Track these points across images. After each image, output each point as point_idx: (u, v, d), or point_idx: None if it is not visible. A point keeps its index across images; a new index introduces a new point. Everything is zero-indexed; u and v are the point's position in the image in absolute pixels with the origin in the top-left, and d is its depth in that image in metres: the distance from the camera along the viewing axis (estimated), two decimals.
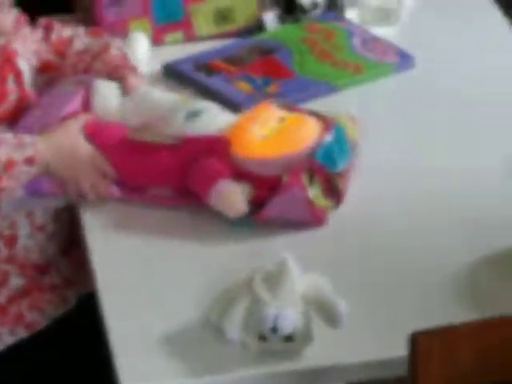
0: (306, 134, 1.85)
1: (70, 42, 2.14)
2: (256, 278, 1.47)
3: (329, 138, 1.80)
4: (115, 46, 2.03)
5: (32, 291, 1.91)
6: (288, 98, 1.99)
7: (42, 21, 2.06)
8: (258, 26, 2.20)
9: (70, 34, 2.08)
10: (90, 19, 2.28)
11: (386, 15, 2.26)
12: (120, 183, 1.86)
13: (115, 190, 1.87)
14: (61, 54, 2.09)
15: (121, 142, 1.90)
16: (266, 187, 1.86)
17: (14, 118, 1.91)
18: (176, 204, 1.86)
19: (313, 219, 1.81)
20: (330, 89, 2.04)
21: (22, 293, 1.90)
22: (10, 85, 1.96)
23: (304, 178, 1.83)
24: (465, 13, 2.31)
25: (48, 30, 2.08)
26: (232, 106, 1.94)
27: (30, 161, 1.83)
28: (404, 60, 2.11)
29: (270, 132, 1.87)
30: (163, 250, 1.72)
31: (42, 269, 1.93)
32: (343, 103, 2.03)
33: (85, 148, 1.89)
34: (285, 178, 1.81)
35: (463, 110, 2.00)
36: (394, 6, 2.26)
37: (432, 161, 1.85)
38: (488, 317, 1.31)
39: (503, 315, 1.30)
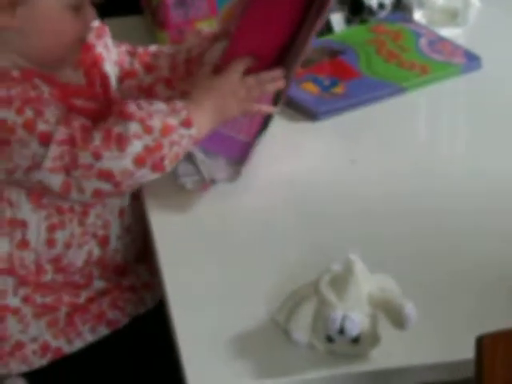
0: None
1: (156, 55, 2.14)
2: (323, 279, 1.46)
3: None
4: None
5: (112, 291, 1.94)
6: (355, 99, 2.08)
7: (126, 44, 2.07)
8: (326, 28, 2.20)
9: (156, 48, 2.09)
10: (156, 21, 2.35)
11: (452, 16, 2.28)
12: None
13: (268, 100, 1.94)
14: (148, 66, 2.12)
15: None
16: None
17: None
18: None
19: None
20: (397, 90, 2.07)
21: (103, 293, 1.93)
22: (98, 89, 1.96)
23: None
24: None
25: (133, 47, 2.08)
26: (297, 107, 2.05)
27: (186, 123, 1.83)
28: (471, 61, 2.12)
29: None
30: (232, 252, 1.67)
31: (121, 271, 1.96)
32: (410, 104, 2.07)
33: (226, 80, 1.91)
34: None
35: None
36: (460, 6, 2.28)
37: (500, 162, 1.82)
38: None
39: None
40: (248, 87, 1.90)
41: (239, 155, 1.99)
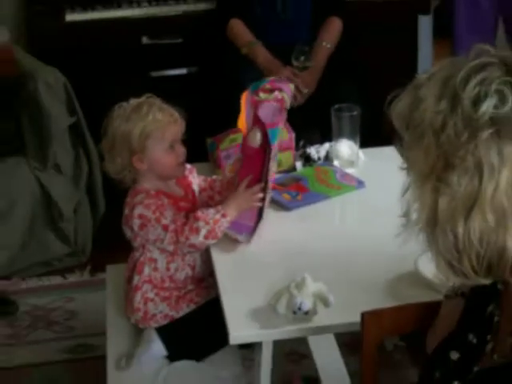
0: None
1: (214, 180, 2.26)
2: (292, 285, 1.78)
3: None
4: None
5: (197, 289, 2.20)
6: (307, 201, 2.23)
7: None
8: (293, 168, 2.45)
9: (215, 177, 2.25)
10: (216, 164, 2.35)
11: (350, 163, 2.42)
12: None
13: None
14: (210, 186, 2.24)
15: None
16: None
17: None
18: None
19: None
20: (326, 197, 2.28)
21: (193, 290, 2.19)
22: (190, 198, 2.20)
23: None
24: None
25: (205, 178, 2.25)
26: (280, 205, 2.20)
27: (223, 216, 2.04)
28: (360, 184, 2.32)
29: None
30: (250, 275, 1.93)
31: (201, 280, 2.22)
32: (333, 204, 2.27)
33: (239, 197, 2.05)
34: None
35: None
36: (355, 159, 2.42)
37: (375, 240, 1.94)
38: None
39: None
40: (249, 194, 2.08)
41: (249, 231, 2.08)
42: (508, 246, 1.07)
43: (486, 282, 1.14)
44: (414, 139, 1.15)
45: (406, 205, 1.17)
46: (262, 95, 2.06)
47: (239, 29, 3.19)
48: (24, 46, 3.47)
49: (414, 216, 1.16)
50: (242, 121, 2.11)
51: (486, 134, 1.06)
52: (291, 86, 2.18)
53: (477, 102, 1.07)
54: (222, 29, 3.24)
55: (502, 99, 1.06)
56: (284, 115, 2.08)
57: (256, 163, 2.06)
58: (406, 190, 1.18)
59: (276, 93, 2.05)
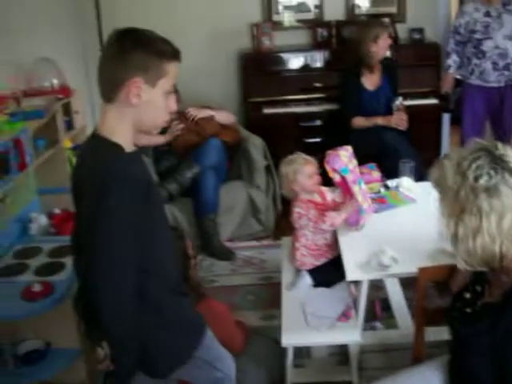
0: None
1: None
2: (379, 251, 1.77)
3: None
4: None
5: (327, 251, 2.17)
6: (386, 208, 2.22)
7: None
8: (379, 191, 2.39)
9: None
10: None
11: (409, 190, 2.37)
12: None
13: None
14: None
15: None
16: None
17: None
18: None
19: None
20: (396, 206, 2.27)
21: (324, 252, 2.18)
22: (328, 202, 2.17)
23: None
24: None
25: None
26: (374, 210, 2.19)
27: (339, 215, 1.97)
28: (413, 200, 2.32)
29: None
30: None
31: (330, 246, 2.15)
32: (399, 210, 2.25)
33: None
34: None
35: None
36: (411, 187, 2.42)
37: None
38: None
39: None
40: (350, 205, 1.97)
41: (357, 224, 2.06)
42: (496, 253, 1.09)
43: (483, 269, 1.17)
44: (443, 195, 1.16)
45: (440, 226, 1.17)
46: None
47: (360, 120, 3.32)
48: (242, 124, 3.78)
49: (444, 233, 1.15)
50: (330, 172, 2.04)
51: (483, 195, 1.08)
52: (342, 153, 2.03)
53: (477, 178, 1.09)
54: (348, 124, 3.37)
55: (490, 177, 1.08)
56: (352, 162, 2.03)
57: (346, 188, 2.05)
58: (440, 218, 1.17)
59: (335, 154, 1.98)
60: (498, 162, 1.09)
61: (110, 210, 1.05)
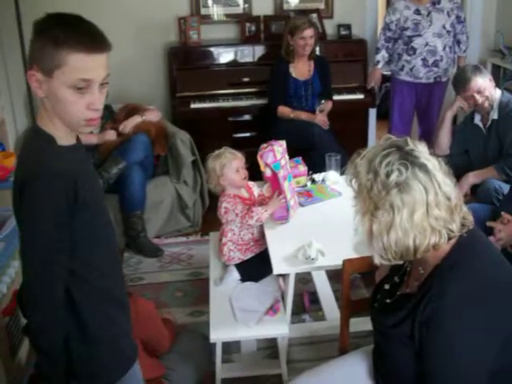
0: None
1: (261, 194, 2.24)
2: (305, 244, 1.79)
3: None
4: None
5: (253, 245, 2.18)
6: (312, 202, 2.21)
7: None
8: (305, 185, 2.45)
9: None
10: None
11: (335, 183, 2.42)
12: None
13: None
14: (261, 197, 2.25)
15: None
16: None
17: None
18: None
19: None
20: (322, 199, 2.28)
21: (251, 246, 2.19)
22: (253, 197, 2.18)
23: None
24: None
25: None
26: (299, 204, 2.19)
27: (266, 210, 1.97)
28: (339, 193, 2.33)
29: None
30: None
31: (258, 240, 2.16)
32: (325, 203, 2.26)
33: None
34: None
35: None
36: (337, 181, 2.45)
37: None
38: None
39: None
40: (278, 200, 2.01)
41: (284, 218, 2.06)
42: (410, 246, 1.10)
43: (400, 262, 1.18)
44: (357, 193, 1.16)
45: (355, 222, 1.18)
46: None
47: (285, 109, 3.39)
48: (170, 120, 3.69)
49: (360, 229, 1.16)
50: (262, 166, 2.05)
51: (394, 191, 1.08)
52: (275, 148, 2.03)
53: (388, 175, 1.09)
54: (273, 112, 3.48)
55: (401, 173, 1.08)
56: (282, 157, 2.04)
57: (276, 184, 2.06)
58: (355, 215, 1.18)
59: (269, 147, 2.02)
60: (407, 158, 1.10)
61: (30, 209, 1.02)
